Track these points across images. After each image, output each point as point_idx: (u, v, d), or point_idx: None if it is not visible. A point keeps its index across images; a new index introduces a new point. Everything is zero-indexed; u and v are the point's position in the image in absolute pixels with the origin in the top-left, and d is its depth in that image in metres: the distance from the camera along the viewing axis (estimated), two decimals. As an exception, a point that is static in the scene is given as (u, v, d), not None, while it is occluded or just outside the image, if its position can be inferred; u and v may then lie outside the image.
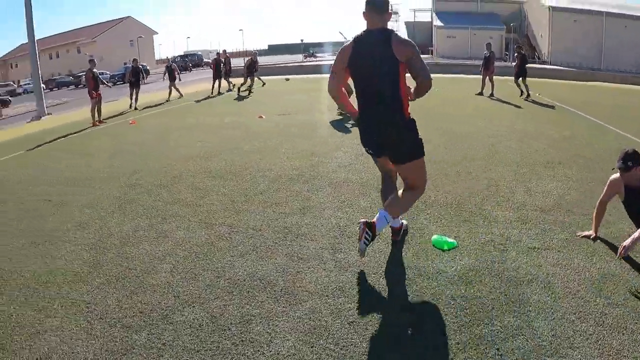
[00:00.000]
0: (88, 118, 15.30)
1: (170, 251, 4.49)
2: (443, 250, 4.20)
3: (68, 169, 8.45)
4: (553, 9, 61.06)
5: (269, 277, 3.90)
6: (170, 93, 20.94)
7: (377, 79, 3.68)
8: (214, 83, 22.41)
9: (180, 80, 20.46)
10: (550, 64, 55.74)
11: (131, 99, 18.88)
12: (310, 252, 4.34)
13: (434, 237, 4.45)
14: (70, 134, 13.31)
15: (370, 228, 3.63)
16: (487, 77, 17.73)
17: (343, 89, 4.10)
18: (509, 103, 15.29)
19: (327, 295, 3.56)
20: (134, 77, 19.14)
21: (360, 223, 3.68)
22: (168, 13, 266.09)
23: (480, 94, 17.72)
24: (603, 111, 13.07)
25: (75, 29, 79.82)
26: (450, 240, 4.37)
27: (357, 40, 3.73)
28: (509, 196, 5.65)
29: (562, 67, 44.21)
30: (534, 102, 15.42)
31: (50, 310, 3.58)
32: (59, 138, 12.62)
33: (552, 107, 14.36)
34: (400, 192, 4.00)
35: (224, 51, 23.34)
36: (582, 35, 57.08)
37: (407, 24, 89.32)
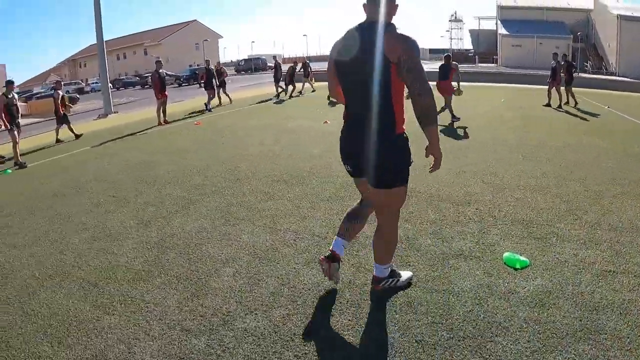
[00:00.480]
0: (153, 117, 15.69)
1: (234, 255, 4.39)
2: (515, 269, 3.96)
3: (133, 166, 8.62)
4: (622, 17, 58.77)
5: (336, 287, 3.72)
6: (220, 98, 20.18)
7: (363, 82, 3.05)
8: (277, 85, 22.70)
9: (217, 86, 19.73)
10: (618, 75, 53.59)
11: (218, 97, 19.91)
12: None
13: (506, 254, 4.21)
14: (136, 132, 13.68)
15: (334, 260, 3.40)
16: (554, 88, 17.43)
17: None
18: (576, 115, 14.64)
19: (394, 311, 3.36)
20: (207, 79, 19.26)
21: (321, 262, 3.44)
22: (233, 17, 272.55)
23: (548, 105, 17.27)
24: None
25: (142, 31, 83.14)
26: (523, 258, 4.13)
27: (347, 34, 3.15)
28: (581, 214, 5.30)
29: (631, 79, 42.18)
30: (594, 114, 14.63)
31: (109, 308, 3.55)
32: (124, 136, 13.02)
33: (623, 120, 13.60)
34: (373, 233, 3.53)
35: (301, 57, 23.57)
36: None
37: (471, 31, 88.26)
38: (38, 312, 3.59)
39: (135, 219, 5.59)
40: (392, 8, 3.05)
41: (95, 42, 21.20)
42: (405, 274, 3.73)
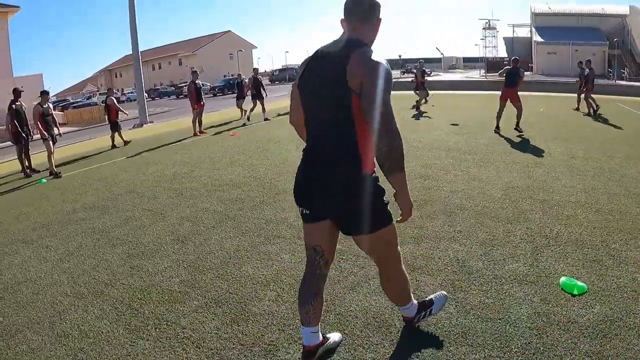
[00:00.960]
0: (189, 127, 15.75)
1: (275, 276, 4.20)
2: (573, 295, 3.72)
3: (168, 178, 8.57)
4: None
5: (383, 315, 3.49)
6: (242, 111, 19.12)
7: (324, 109, 2.55)
8: None
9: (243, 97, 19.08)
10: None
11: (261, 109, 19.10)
12: (428, 288, 3.91)
13: (562, 279, 3.98)
14: (171, 142, 13.71)
15: (311, 355, 2.90)
16: (583, 95, 17.69)
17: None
18: (614, 125, 14.13)
19: (449, 342, 3.13)
20: (255, 89, 18.49)
21: None
22: (268, 28, 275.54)
23: (577, 109, 17.91)
24: None
25: (177, 42, 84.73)
26: (580, 283, 3.89)
27: (315, 53, 2.64)
28: (638, 233, 5.00)
29: None
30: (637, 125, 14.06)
31: (144, 332, 3.41)
32: (160, 146, 13.04)
33: None
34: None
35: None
36: None
37: (506, 39, 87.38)
38: (69, 333, 3.47)
39: (171, 235, 5.47)
40: (373, 24, 2.59)
41: (131, 53, 21.51)
42: (334, 336, 3.18)
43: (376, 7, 2.58)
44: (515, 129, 12.41)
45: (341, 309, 3.59)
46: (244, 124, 17.54)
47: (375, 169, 2.62)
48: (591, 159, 9.03)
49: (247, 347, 3.14)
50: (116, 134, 14.56)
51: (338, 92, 2.42)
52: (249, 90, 18.93)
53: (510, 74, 13.10)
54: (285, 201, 6.59)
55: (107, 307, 3.79)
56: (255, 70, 19.46)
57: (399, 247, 2.91)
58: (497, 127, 12.72)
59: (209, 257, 4.75)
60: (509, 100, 12.87)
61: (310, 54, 2.69)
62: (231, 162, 9.84)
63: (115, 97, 15.58)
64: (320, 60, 2.57)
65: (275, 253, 4.75)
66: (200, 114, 15.39)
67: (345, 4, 2.59)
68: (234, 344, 3.17)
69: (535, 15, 73.37)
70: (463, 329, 3.29)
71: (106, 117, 15.13)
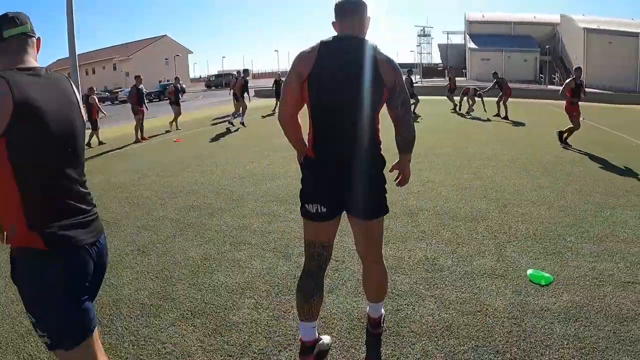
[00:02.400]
0: (128, 134, 15.30)
1: (250, 284, 4.10)
2: (541, 286, 4.01)
3: (117, 186, 8.23)
4: (588, 30, 61.00)
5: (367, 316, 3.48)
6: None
7: (353, 103, 2.60)
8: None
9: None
10: (585, 87, 55.27)
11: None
12: (405, 287, 4.00)
13: (530, 271, 4.27)
14: (114, 149, 13.24)
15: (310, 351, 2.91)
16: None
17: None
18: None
19: (436, 337, 3.24)
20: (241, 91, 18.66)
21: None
22: (203, 32, 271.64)
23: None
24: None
25: (112, 46, 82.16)
26: (546, 274, 4.20)
27: (326, 46, 2.65)
28: (588, 227, 5.47)
29: (598, 90, 43.83)
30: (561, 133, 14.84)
31: (121, 350, 3.21)
32: (102, 153, 12.54)
33: (600, 131, 14.10)
34: (369, 277, 3.12)
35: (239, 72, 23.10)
36: (617, 57, 56.80)
37: (441, 46, 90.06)
38: (36, 356, 3.21)
39: (131, 245, 5.23)
40: (368, 22, 2.75)
41: (64, 57, 20.73)
42: (325, 338, 3.17)
43: (365, 5, 2.73)
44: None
45: (324, 312, 3.55)
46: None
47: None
48: (535, 159, 9.49)
49: (236, 357, 3.03)
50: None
51: (374, 92, 2.59)
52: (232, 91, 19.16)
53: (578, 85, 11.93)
54: (244, 207, 6.47)
55: (75, 325, 3.57)
56: (239, 72, 20.49)
57: None
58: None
59: (176, 267, 4.57)
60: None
61: (311, 46, 2.69)
62: (181, 168, 9.58)
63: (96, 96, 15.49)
64: (341, 59, 2.61)
65: (244, 260, 4.64)
66: (141, 120, 14.99)
67: (344, 4, 2.69)
68: (221, 356, 3.05)
69: (470, 23, 75.89)
70: (446, 323, 3.40)
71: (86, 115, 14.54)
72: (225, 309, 3.67)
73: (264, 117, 21.13)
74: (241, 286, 4.06)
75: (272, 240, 5.17)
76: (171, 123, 17.79)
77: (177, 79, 19.92)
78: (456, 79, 23.24)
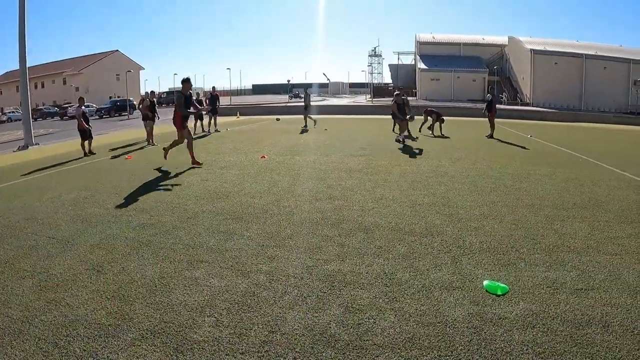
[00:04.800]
0: (77, 150, 14.94)
1: (209, 302, 4.04)
2: (497, 296, 4.16)
3: (68, 203, 7.95)
4: (534, 52, 63.61)
5: (329, 330, 3.55)
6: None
7: None
8: (210, 119, 22.31)
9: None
10: (532, 105, 57.58)
11: (208, 125, 22.26)
12: (365, 301, 4.05)
13: (485, 282, 4.41)
14: (64, 165, 12.83)
15: None
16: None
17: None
18: (507, 143, 15.56)
19: (399, 349, 3.30)
20: (212, 104, 22.06)
21: None
22: (154, 48, 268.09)
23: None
24: (599, 151, 13.07)
25: (62, 59, 79.97)
26: (502, 285, 4.35)
27: None
28: (539, 239, 5.72)
29: (544, 109, 45.68)
30: (521, 145, 15.40)
31: (79, 372, 3.10)
32: (51, 169, 12.11)
33: (548, 147, 14.72)
34: None
35: (213, 88, 23.73)
36: (562, 77, 59.45)
37: (391, 66, 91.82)
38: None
39: (85, 264, 5.06)
40: None
41: (11, 70, 20.14)
42: None
43: None
44: None
45: (285, 328, 3.56)
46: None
47: None
48: (486, 175, 9.77)
49: (198, 377, 2.98)
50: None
51: None
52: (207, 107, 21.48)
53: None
54: (199, 225, 6.38)
55: (30, 348, 3.39)
56: (214, 88, 24.03)
57: None
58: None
59: (132, 285, 4.45)
60: None
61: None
62: (132, 186, 9.34)
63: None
64: None
65: (202, 278, 4.56)
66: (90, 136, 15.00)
67: None
68: (184, 376, 3.00)
69: (420, 44, 77.77)
70: (408, 335, 3.47)
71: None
72: (186, 327, 3.60)
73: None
74: (200, 304, 3.99)
75: (229, 257, 5.11)
76: (149, 138, 17.83)
77: (152, 92, 19.79)
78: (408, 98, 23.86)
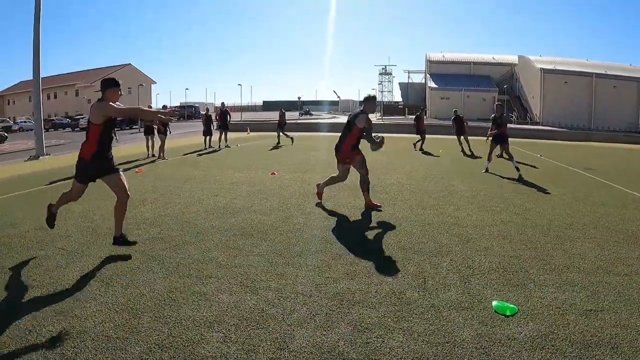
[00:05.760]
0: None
1: (217, 317, 4.05)
2: (506, 316, 4.14)
3: (78, 215, 8.03)
4: (544, 71, 63.61)
5: (338, 348, 3.55)
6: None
7: None
8: (220, 135, 22.42)
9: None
10: (541, 124, 57.43)
11: (219, 140, 22.59)
12: (373, 320, 4.05)
13: (494, 302, 4.40)
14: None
15: None
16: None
17: None
18: (520, 163, 15.50)
19: None
20: (223, 120, 22.86)
21: None
22: (168, 63, 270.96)
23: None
24: (607, 170, 13.03)
25: (75, 71, 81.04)
26: (511, 305, 4.34)
27: None
28: (549, 259, 5.70)
29: (554, 128, 45.50)
30: (531, 164, 15.37)
31: (86, 383, 3.11)
32: (63, 180, 12.20)
33: (558, 167, 14.69)
34: None
35: (222, 104, 24.05)
36: (572, 96, 59.31)
37: (401, 84, 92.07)
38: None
39: (94, 276, 5.09)
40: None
41: (25, 80, 20.48)
42: None
43: None
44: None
45: (293, 346, 3.56)
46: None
47: None
48: (495, 195, 9.76)
49: (205, 393, 2.98)
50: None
51: None
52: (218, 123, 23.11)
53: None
54: (208, 241, 6.40)
55: (36, 358, 3.40)
56: (223, 104, 23.83)
57: None
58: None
59: (141, 299, 4.47)
60: None
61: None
62: (142, 200, 9.41)
63: None
64: None
65: (211, 294, 4.58)
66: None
67: None
68: (190, 391, 3.00)
69: (430, 63, 78.05)
70: (416, 354, 3.46)
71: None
72: (193, 342, 3.61)
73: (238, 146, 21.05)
74: (209, 320, 4.00)
75: (238, 274, 5.12)
76: (160, 152, 17.97)
77: (164, 107, 20.30)
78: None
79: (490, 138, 14.28)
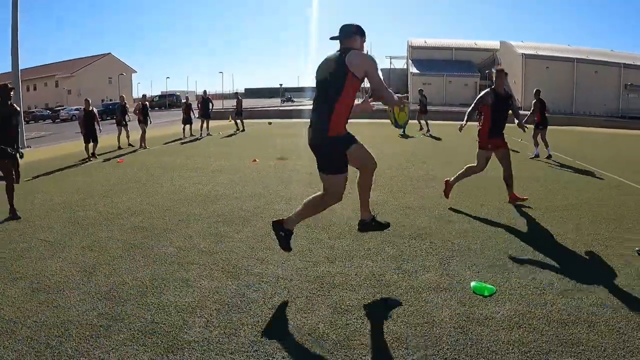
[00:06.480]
0: (71, 153, 14.86)
1: (200, 303, 4.08)
2: (484, 296, 4.19)
3: (60, 206, 7.97)
4: (526, 56, 63.76)
5: (317, 330, 3.59)
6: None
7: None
8: (201, 124, 22.30)
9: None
10: (523, 110, 57.82)
11: (200, 128, 22.16)
12: (353, 302, 4.10)
13: (473, 283, 4.45)
14: (57, 169, 12.79)
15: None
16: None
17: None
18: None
19: (386, 348, 3.36)
20: (204, 109, 22.25)
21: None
22: (147, 52, 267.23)
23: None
24: (586, 153, 13.24)
25: (55, 62, 79.57)
26: (489, 286, 4.39)
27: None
28: (529, 239, 5.81)
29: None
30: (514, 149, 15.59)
31: (71, 371, 3.13)
32: (44, 174, 12.07)
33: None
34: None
35: (204, 92, 23.82)
36: (554, 81, 59.63)
37: (383, 70, 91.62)
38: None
39: (76, 266, 5.08)
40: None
41: (3, 72, 20.08)
42: None
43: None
44: None
45: (274, 329, 3.63)
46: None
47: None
48: (476, 179, 9.81)
49: (189, 376, 3.02)
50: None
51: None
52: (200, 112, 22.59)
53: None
54: (190, 228, 6.42)
55: (22, 348, 3.40)
56: (205, 92, 23.03)
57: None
58: None
59: (124, 287, 4.47)
60: None
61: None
62: (124, 189, 9.37)
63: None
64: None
65: (193, 280, 4.60)
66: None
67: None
68: (175, 375, 3.04)
69: (412, 49, 77.81)
70: (395, 335, 3.52)
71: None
72: (176, 328, 3.64)
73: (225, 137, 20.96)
74: (191, 305, 4.03)
75: (220, 260, 5.15)
76: (141, 141, 17.85)
77: (144, 96, 20.49)
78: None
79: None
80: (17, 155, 7.46)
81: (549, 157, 13.76)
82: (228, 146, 17.59)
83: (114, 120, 19.62)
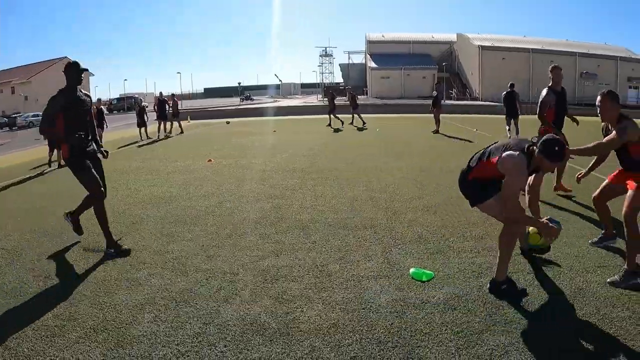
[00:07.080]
0: (29, 161, 14.64)
1: (149, 300, 4.26)
2: (422, 282, 4.40)
3: (18, 213, 7.94)
4: (482, 48, 64.88)
5: (259, 320, 3.82)
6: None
7: None
8: (159, 125, 22.18)
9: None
10: (481, 100, 58.93)
11: (158, 131, 22.20)
12: (295, 292, 4.33)
13: (412, 270, 4.64)
14: (15, 175, 12.60)
15: None
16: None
17: None
18: (454, 138, 16.19)
19: (323, 334, 3.57)
20: (161, 110, 22.32)
21: None
22: (104, 54, 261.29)
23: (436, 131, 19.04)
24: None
25: (9, 68, 76.94)
26: (428, 271, 4.58)
27: None
28: (472, 228, 6.06)
29: (494, 102, 46.96)
30: (467, 139, 16.09)
31: (27, 370, 3.29)
32: (14, 184, 11.90)
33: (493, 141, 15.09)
34: None
35: (160, 93, 23.67)
36: (511, 72, 60.80)
37: (342, 65, 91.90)
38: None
39: (33, 272, 5.14)
40: None
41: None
42: None
43: None
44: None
45: (219, 320, 3.83)
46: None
47: None
48: (426, 170, 10.11)
49: (137, 366, 3.22)
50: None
51: None
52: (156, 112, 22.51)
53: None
54: (143, 230, 6.53)
55: (-21, 352, 3.57)
56: (160, 93, 23.49)
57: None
58: None
59: (78, 289, 4.59)
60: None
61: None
62: (79, 195, 9.28)
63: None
64: None
65: (144, 279, 4.77)
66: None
67: None
68: (124, 366, 3.23)
69: (370, 43, 78.04)
70: (332, 321, 3.75)
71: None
72: (126, 324, 3.82)
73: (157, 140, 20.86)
74: (141, 302, 4.21)
75: (170, 259, 5.32)
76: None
77: (99, 100, 20.51)
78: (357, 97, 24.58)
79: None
80: None
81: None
82: (185, 147, 17.57)
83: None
